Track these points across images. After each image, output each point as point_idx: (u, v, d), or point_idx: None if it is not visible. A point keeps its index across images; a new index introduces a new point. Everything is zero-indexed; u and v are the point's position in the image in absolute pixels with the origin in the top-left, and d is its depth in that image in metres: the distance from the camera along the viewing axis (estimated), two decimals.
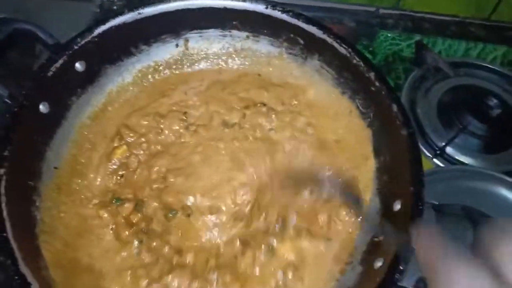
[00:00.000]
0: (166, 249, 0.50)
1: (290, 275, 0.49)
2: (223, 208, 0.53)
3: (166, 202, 0.53)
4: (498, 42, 0.89)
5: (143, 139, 0.57)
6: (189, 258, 0.50)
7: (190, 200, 0.53)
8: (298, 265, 0.49)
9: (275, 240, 0.50)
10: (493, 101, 0.73)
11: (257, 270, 0.49)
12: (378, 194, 0.52)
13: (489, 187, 0.65)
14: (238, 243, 0.51)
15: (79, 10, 0.90)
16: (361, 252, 0.49)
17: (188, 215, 0.53)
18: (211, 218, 0.53)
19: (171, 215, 0.52)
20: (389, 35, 0.86)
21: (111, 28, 0.55)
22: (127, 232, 0.51)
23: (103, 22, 0.55)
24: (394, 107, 0.51)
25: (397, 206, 0.47)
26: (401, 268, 0.41)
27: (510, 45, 0.87)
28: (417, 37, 0.85)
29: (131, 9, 0.56)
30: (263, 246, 0.50)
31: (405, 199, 0.46)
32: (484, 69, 0.81)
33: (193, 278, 0.48)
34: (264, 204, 0.53)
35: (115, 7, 0.91)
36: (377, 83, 0.54)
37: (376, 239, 0.48)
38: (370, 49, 0.84)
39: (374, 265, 0.44)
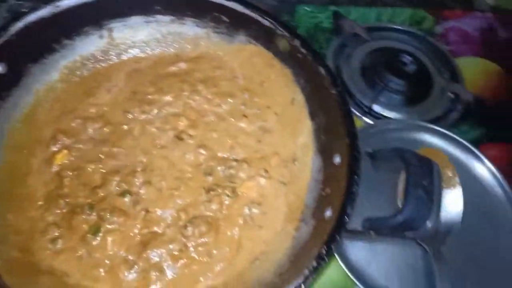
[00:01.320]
0: (134, 230, 0.51)
1: (254, 210, 0.53)
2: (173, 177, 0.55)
3: (117, 188, 0.53)
4: (404, 6, 0.96)
5: (79, 143, 0.57)
6: (159, 228, 0.51)
7: (140, 180, 0.54)
8: (260, 201, 0.54)
9: (235, 183, 0.54)
10: (408, 59, 0.79)
11: (225, 213, 0.53)
12: (318, 153, 0.55)
13: (414, 135, 0.71)
14: (203, 193, 0.53)
15: None
16: (312, 208, 0.52)
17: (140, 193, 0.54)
18: (170, 192, 0.54)
19: (126, 199, 0.52)
20: (307, 9, 0.90)
21: (28, 24, 0.53)
22: (84, 226, 0.50)
23: (18, 18, 0.52)
24: (322, 70, 0.55)
25: (337, 160, 0.50)
26: (348, 213, 0.44)
27: (415, 7, 0.94)
28: (333, 8, 0.90)
29: (47, 2, 0.54)
30: (226, 190, 0.53)
31: (343, 152, 0.49)
32: (396, 31, 0.88)
33: (170, 242, 0.50)
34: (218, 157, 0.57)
35: (24, 9, 0.86)
36: (303, 50, 0.57)
37: (323, 193, 0.51)
38: (292, 23, 0.87)
39: (324, 215, 0.47)
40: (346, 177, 0.47)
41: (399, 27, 0.88)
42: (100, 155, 0.56)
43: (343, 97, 0.52)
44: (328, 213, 0.47)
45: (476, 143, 0.72)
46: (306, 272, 0.41)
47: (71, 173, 0.54)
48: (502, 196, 0.67)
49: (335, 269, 0.61)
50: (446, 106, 0.77)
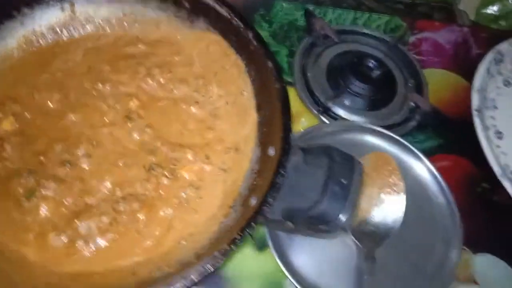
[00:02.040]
0: (67, 199, 0.52)
1: (191, 194, 0.54)
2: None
3: (59, 157, 0.54)
4: (386, 13, 0.97)
5: (27, 111, 0.57)
6: (93, 200, 0.52)
7: (82, 152, 0.55)
8: (199, 186, 0.55)
9: (176, 165, 0.55)
10: (374, 64, 0.81)
11: (161, 193, 0.54)
12: (258, 144, 0.56)
13: (367, 138, 0.72)
14: (142, 171, 0.54)
15: None
16: (243, 196, 0.53)
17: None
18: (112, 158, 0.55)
19: (66, 168, 0.54)
20: (284, 5, 0.90)
21: None
22: (20, 190, 0.52)
23: None
24: (269, 64, 0.55)
25: (271, 152, 0.51)
26: (269, 202, 0.45)
27: (393, 15, 0.95)
28: (311, 7, 0.91)
29: None
30: (165, 171, 0.54)
31: (277, 144, 0.50)
32: (368, 36, 0.89)
33: (101, 215, 0.51)
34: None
35: None
36: (255, 42, 0.57)
37: (254, 183, 0.52)
38: (267, 18, 0.88)
39: (250, 203, 0.49)
40: (273, 168, 0.48)
41: (371, 33, 0.89)
42: (46, 124, 0.56)
43: (285, 93, 0.53)
44: (253, 201, 0.48)
45: (429, 153, 0.74)
46: (216, 253, 0.42)
47: (13, 139, 0.54)
48: (445, 206, 0.69)
49: (269, 261, 0.62)
50: (405, 114, 0.79)
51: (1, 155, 0.54)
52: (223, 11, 0.59)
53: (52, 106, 0.59)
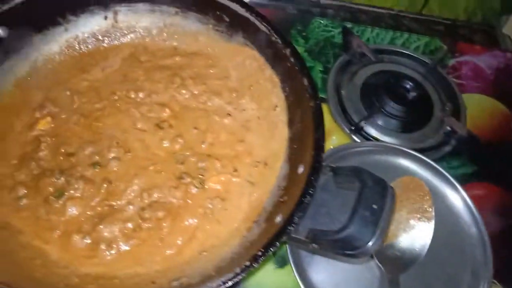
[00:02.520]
0: (95, 200, 0.53)
1: (217, 205, 0.55)
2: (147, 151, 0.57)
3: (89, 158, 0.56)
4: (426, 34, 0.96)
5: (64, 113, 0.59)
6: (119, 204, 0.53)
7: (112, 155, 0.56)
8: (225, 197, 0.55)
9: (205, 175, 0.56)
10: (410, 85, 0.79)
11: (187, 202, 0.54)
12: (288, 160, 0.56)
13: (400, 161, 0.71)
14: (171, 179, 0.55)
15: None
16: (268, 212, 0.53)
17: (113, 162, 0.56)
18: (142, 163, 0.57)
19: (95, 170, 0.55)
20: (321, 22, 0.90)
21: None
22: (50, 188, 0.53)
23: None
24: (305, 81, 0.55)
25: (301, 169, 0.51)
26: (295, 221, 0.45)
27: (433, 36, 0.93)
28: (348, 24, 0.90)
29: None
30: (194, 181, 0.55)
31: (307, 162, 0.50)
32: (406, 56, 0.87)
33: (126, 220, 0.52)
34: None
35: None
36: (292, 59, 0.57)
37: (281, 200, 0.52)
38: (304, 34, 0.88)
39: (275, 220, 0.48)
40: (302, 186, 0.47)
41: (410, 53, 0.87)
42: (80, 127, 0.58)
43: (319, 111, 0.53)
44: (278, 219, 0.48)
45: (463, 180, 0.71)
46: (237, 269, 0.42)
47: (49, 139, 0.56)
48: (476, 237, 0.66)
49: (288, 278, 0.61)
50: (440, 139, 0.76)
51: (37, 155, 0.55)
52: (263, 26, 0.59)
53: (87, 109, 0.60)
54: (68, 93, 0.61)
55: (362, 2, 1.02)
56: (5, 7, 0.54)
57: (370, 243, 0.43)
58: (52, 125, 0.58)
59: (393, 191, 0.46)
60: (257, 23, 0.60)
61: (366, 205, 0.44)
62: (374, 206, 0.44)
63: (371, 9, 1.03)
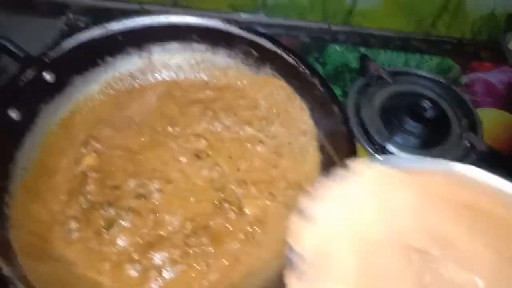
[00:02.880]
0: (143, 230, 0.56)
1: (257, 229, 0.57)
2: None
3: (134, 191, 0.59)
4: (437, 55, 1.00)
5: (107, 148, 0.63)
6: (166, 232, 0.56)
7: (155, 186, 0.60)
8: (264, 221, 0.58)
9: (243, 201, 0.59)
10: (428, 104, 0.82)
11: (228, 227, 0.57)
12: None
13: None
14: (211, 207, 0.58)
15: (46, 26, 0.94)
16: None
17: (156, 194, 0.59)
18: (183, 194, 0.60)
19: (140, 201, 0.58)
20: (337, 48, 0.94)
21: (79, 42, 0.60)
22: (100, 221, 0.56)
23: (72, 37, 0.60)
24: (335, 108, 0.59)
25: None
26: None
27: (444, 56, 0.97)
28: (362, 50, 0.94)
29: (98, 25, 0.61)
30: (233, 207, 0.58)
31: None
32: (421, 77, 0.91)
33: (173, 247, 0.54)
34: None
35: (81, 24, 0.95)
36: (320, 88, 0.61)
37: None
38: (321, 60, 0.92)
39: None
40: None
41: (425, 74, 0.91)
42: (123, 160, 0.62)
43: (351, 136, 0.56)
44: None
45: None
46: None
47: (94, 174, 0.60)
48: None
49: None
50: (460, 154, 0.79)
51: (84, 189, 0.58)
52: (290, 59, 0.63)
53: (128, 144, 0.64)
54: (109, 129, 0.64)
55: (371, 25, 1.06)
56: (54, 55, 0.59)
57: None
58: (97, 160, 0.61)
59: None
60: (285, 55, 0.64)
61: None
62: None
63: (380, 32, 1.07)
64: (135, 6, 0.90)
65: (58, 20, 0.94)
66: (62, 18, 0.94)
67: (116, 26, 0.63)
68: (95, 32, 0.61)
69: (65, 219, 0.56)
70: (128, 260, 0.54)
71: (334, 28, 1.05)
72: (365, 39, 1.04)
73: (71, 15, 0.95)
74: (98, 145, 0.63)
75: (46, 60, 0.58)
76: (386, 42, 1.04)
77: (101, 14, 0.93)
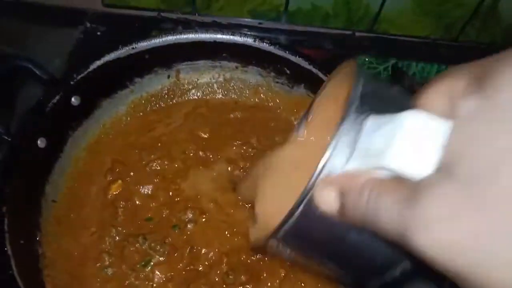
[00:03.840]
0: (179, 265, 0.53)
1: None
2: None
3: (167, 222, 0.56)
4: (466, 61, 0.95)
5: (132, 173, 0.60)
6: (203, 267, 0.53)
7: (189, 217, 0.56)
8: None
9: None
10: None
11: (267, 262, 0.54)
12: None
13: None
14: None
15: (63, 36, 0.91)
16: None
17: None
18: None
19: (175, 232, 0.55)
20: (366, 59, 0.90)
21: (106, 63, 0.57)
22: (135, 256, 0.53)
23: (99, 57, 0.57)
24: None
25: None
26: None
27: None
28: (393, 61, 0.90)
29: (125, 45, 0.58)
30: None
31: None
32: None
33: (212, 284, 0.52)
34: None
35: (98, 33, 0.92)
36: None
37: None
38: None
39: None
40: None
41: None
42: (153, 187, 0.58)
43: None
44: None
45: None
46: None
47: (124, 204, 0.57)
48: None
49: None
50: None
51: (115, 221, 0.55)
52: (326, 78, 0.59)
53: (156, 169, 0.60)
54: (136, 151, 0.61)
55: (397, 32, 1.02)
56: (78, 77, 0.55)
57: None
58: (125, 188, 0.58)
59: None
60: (321, 75, 0.60)
61: None
62: None
63: (406, 39, 1.03)
64: (153, 13, 0.86)
65: (75, 30, 0.91)
66: (79, 27, 0.91)
67: (144, 44, 0.59)
68: (122, 52, 0.58)
69: (98, 253, 0.53)
70: None
71: (358, 34, 1.01)
72: (391, 47, 1.00)
73: (88, 24, 0.91)
74: (124, 170, 0.60)
75: (71, 83, 0.55)
76: (413, 50, 1.00)
77: (119, 22, 0.89)
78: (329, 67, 0.86)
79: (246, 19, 0.93)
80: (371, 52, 0.96)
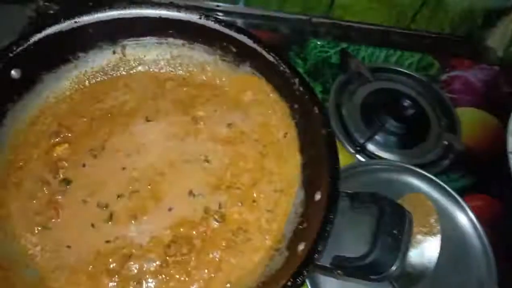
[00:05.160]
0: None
1: (239, 236, 0.56)
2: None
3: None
4: (416, 49, 0.99)
5: (79, 138, 0.60)
6: (144, 241, 0.54)
7: (135, 187, 0.58)
8: (246, 228, 0.56)
9: (226, 208, 0.57)
10: (407, 102, 0.82)
11: (210, 236, 0.55)
12: (302, 186, 0.58)
13: (403, 178, 0.73)
14: (192, 215, 0.56)
15: (14, 14, 0.89)
16: (288, 239, 0.54)
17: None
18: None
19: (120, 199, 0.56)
20: (318, 43, 0.93)
21: (47, 36, 0.57)
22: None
23: (39, 30, 0.56)
24: (316, 109, 0.57)
25: (318, 196, 0.53)
26: (319, 249, 0.46)
27: (425, 52, 0.97)
28: (344, 45, 0.93)
29: (67, 18, 0.58)
30: (215, 215, 0.56)
31: (324, 189, 0.52)
32: (401, 73, 0.90)
33: (152, 258, 0.53)
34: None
35: (51, 11, 0.90)
36: (301, 88, 0.59)
37: (300, 227, 0.54)
38: (301, 55, 0.90)
39: (298, 249, 0.50)
40: (322, 214, 0.49)
41: (405, 70, 0.90)
42: (98, 154, 0.59)
43: (332, 138, 0.55)
44: (301, 247, 0.49)
45: (462, 192, 0.74)
46: None
47: (66, 164, 0.57)
48: (479, 248, 0.69)
49: None
50: (439, 153, 0.79)
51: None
52: (270, 57, 0.61)
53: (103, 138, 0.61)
54: (84, 119, 0.61)
55: (352, 19, 1.05)
56: (17, 49, 0.55)
57: (393, 268, 0.45)
58: (70, 151, 0.59)
59: (411, 216, 0.48)
60: (265, 53, 0.62)
61: (386, 231, 0.46)
62: (395, 232, 0.46)
63: (361, 25, 1.06)
64: None
65: (26, 8, 0.89)
66: (31, 5, 0.90)
67: (86, 19, 0.59)
68: (64, 25, 0.58)
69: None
70: (105, 271, 0.52)
71: (314, 20, 1.04)
72: (346, 33, 1.03)
73: (41, 2, 0.90)
74: (70, 135, 0.60)
75: (10, 55, 0.55)
76: (367, 36, 1.03)
77: (73, 1, 0.88)
78: (283, 50, 0.89)
79: (204, 1, 0.94)
80: (326, 37, 0.99)
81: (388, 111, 0.80)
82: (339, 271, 0.47)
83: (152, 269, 0.52)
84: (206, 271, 0.53)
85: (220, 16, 0.96)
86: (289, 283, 0.44)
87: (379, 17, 1.05)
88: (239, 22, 0.99)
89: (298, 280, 0.45)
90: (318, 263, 0.48)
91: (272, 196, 0.59)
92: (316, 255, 0.46)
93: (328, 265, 0.48)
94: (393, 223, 0.46)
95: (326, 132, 0.55)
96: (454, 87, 0.92)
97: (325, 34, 1.01)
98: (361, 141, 0.77)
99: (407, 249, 0.46)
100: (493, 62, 1.02)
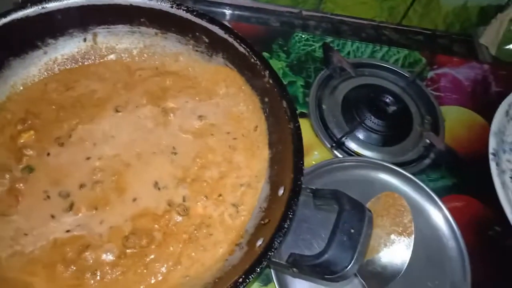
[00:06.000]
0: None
1: (202, 230, 0.55)
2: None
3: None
4: (407, 45, 0.97)
5: (45, 126, 0.59)
6: (103, 231, 0.53)
7: (97, 176, 0.57)
8: (209, 223, 0.55)
9: (190, 201, 0.56)
10: (390, 99, 0.80)
11: (172, 229, 0.55)
12: (269, 181, 0.57)
13: (380, 176, 0.72)
14: (155, 207, 0.56)
15: None
16: (249, 234, 0.53)
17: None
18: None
19: (83, 190, 0.55)
20: (303, 36, 0.91)
21: (12, 21, 0.56)
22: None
23: (4, 15, 0.55)
24: (284, 103, 0.56)
25: (281, 191, 0.52)
26: (275, 246, 0.45)
27: (412, 49, 0.95)
28: (329, 39, 0.91)
29: (34, 3, 0.57)
30: (178, 208, 0.55)
31: (287, 185, 0.50)
32: (386, 69, 0.88)
33: (110, 248, 0.52)
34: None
35: None
36: (271, 81, 0.58)
37: (262, 222, 0.53)
38: (285, 48, 0.89)
39: (256, 244, 0.49)
40: (282, 210, 0.48)
41: (390, 66, 0.89)
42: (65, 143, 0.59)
43: (298, 133, 0.53)
44: (259, 242, 0.48)
45: (442, 192, 0.73)
46: None
47: (31, 151, 0.57)
48: (454, 249, 0.67)
49: None
50: (420, 152, 0.78)
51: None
52: (241, 48, 0.60)
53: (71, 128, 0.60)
54: (53, 107, 0.60)
55: (343, 13, 1.03)
56: None
57: (348, 268, 0.44)
58: (34, 138, 0.58)
59: (371, 215, 0.47)
60: (236, 44, 0.61)
61: (344, 230, 0.45)
62: (352, 231, 0.45)
63: (352, 20, 1.04)
64: None
65: None
66: None
67: (55, 4, 0.58)
68: (31, 10, 0.57)
69: None
70: (61, 260, 0.51)
71: (305, 13, 1.02)
72: (336, 27, 1.01)
73: None
74: (36, 122, 0.59)
75: None
76: (358, 31, 1.01)
77: None
78: (266, 44, 0.88)
79: None
80: (316, 31, 0.97)
81: (369, 107, 0.79)
82: (294, 269, 0.46)
83: (109, 260, 0.51)
84: (165, 265, 0.52)
85: (208, 7, 0.94)
86: (240, 279, 0.43)
87: (370, 12, 1.03)
88: (228, 13, 0.98)
89: (250, 276, 0.44)
90: (274, 260, 0.47)
91: (239, 190, 0.58)
92: (272, 251, 0.45)
93: (283, 262, 0.46)
94: (352, 222, 0.45)
95: (293, 126, 0.54)
96: (440, 85, 0.90)
97: (315, 28, 1.00)
98: (339, 136, 0.75)
99: (364, 249, 0.45)
100: (486, 60, 1.00)
